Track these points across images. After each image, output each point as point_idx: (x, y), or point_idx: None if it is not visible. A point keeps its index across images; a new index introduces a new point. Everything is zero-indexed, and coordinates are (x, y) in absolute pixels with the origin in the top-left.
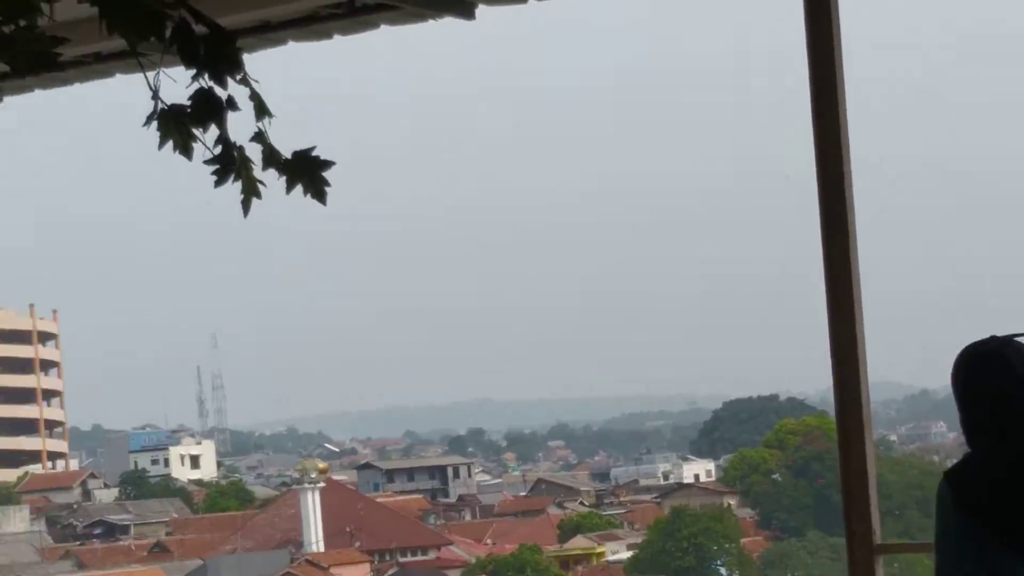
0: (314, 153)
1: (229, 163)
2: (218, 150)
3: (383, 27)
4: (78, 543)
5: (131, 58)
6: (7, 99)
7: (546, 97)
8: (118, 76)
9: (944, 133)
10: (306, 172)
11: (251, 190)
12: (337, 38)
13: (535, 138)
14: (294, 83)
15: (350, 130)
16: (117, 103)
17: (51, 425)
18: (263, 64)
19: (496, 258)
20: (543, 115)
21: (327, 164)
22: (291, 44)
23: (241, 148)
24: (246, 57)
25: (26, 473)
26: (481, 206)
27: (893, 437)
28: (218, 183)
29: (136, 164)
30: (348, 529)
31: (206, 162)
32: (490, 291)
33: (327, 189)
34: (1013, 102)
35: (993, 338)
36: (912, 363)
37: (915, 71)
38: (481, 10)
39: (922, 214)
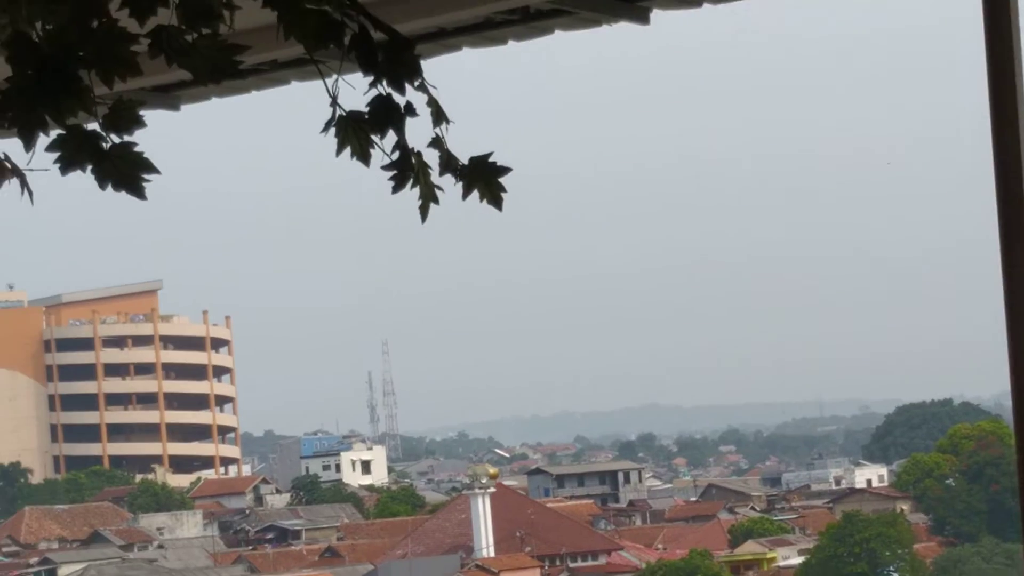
0: (491, 159)
1: (407, 169)
2: (396, 156)
3: (557, 32)
4: (250, 548)
5: (308, 65)
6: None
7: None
8: (294, 83)
9: None
10: (483, 178)
11: (429, 196)
12: (512, 44)
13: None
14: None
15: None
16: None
17: (224, 431)
18: (438, 70)
19: (673, 253)
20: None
21: (504, 170)
22: (466, 50)
23: (419, 154)
24: (423, 63)
25: (199, 478)
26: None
27: None
28: (396, 188)
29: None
30: (518, 534)
31: (384, 167)
32: (657, 295)
33: (503, 195)
34: None
35: None
36: None
37: None
38: (656, 15)
39: None
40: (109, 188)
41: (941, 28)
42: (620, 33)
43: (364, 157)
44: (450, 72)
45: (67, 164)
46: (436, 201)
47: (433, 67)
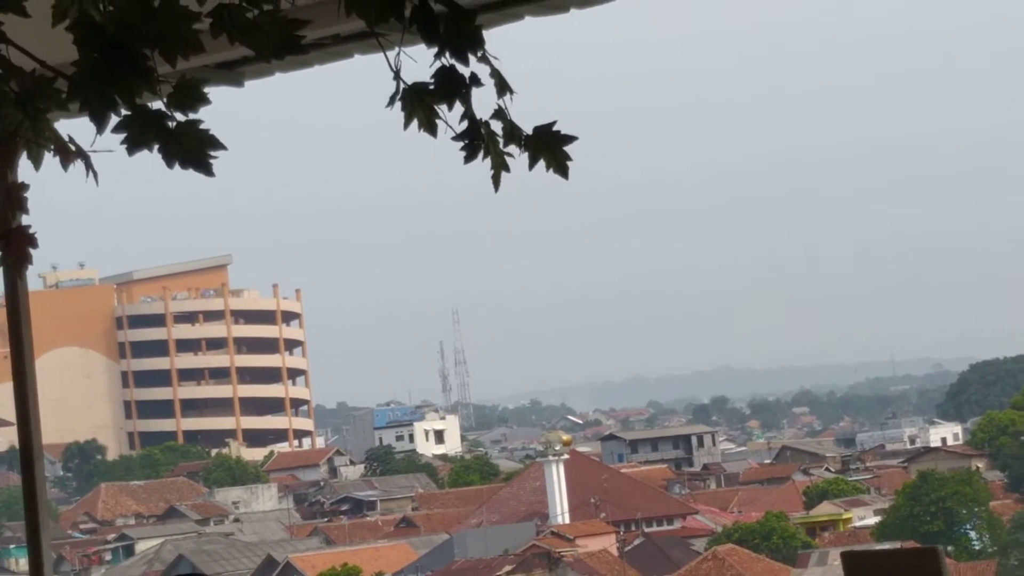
0: (555, 128)
1: (477, 139)
2: (463, 127)
3: None
4: (325, 520)
5: (371, 39)
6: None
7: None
8: (357, 57)
9: None
10: (548, 147)
11: (500, 164)
12: (573, 11)
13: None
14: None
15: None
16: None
17: (297, 404)
18: (501, 41)
19: (744, 213)
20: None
21: (569, 139)
22: (528, 19)
23: (487, 124)
24: (485, 34)
25: (272, 452)
26: (721, 162)
27: None
28: (468, 159)
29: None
30: (593, 500)
31: (454, 138)
32: (730, 253)
33: (569, 163)
34: None
35: None
36: None
37: None
38: None
39: None
40: (176, 167)
41: None
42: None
43: (431, 129)
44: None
45: (134, 144)
46: (507, 169)
47: (496, 37)
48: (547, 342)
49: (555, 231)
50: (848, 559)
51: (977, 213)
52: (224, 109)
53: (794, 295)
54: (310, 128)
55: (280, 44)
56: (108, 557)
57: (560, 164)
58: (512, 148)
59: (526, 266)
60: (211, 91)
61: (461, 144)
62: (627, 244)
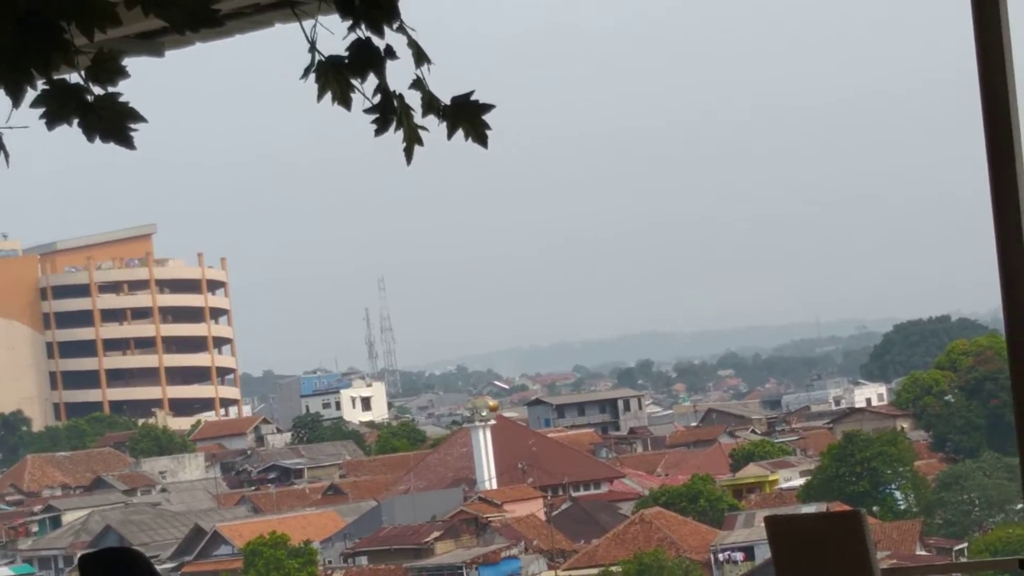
0: (473, 97)
1: (390, 112)
2: (378, 99)
3: None
4: (253, 488)
5: (289, 7)
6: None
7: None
8: (278, 25)
9: None
10: (467, 117)
11: (413, 138)
12: None
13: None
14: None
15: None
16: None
17: (223, 373)
18: (418, 10)
19: (662, 178)
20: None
21: (487, 108)
22: None
23: (401, 96)
24: (401, 4)
25: (199, 421)
26: (645, 127)
27: None
28: (379, 132)
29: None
30: (520, 465)
31: (366, 111)
32: (651, 218)
33: (488, 133)
34: None
35: None
36: None
37: None
38: None
39: None
40: (97, 140)
41: None
42: None
43: (345, 102)
44: None
45: (53, 119)
46: (420, 143)
47: (411, 7)
48: (473, 308)
49: (480, 197)
50: (772, 523)
51: (890, 177)
52: (147, 77)
53: (719, 259)
54: (235, 96)
55: (195, 16)
56: (35, 528)
57: (479, 133)
58: (431, 118)
59: (452, 233)
60: (132, 61)
61: (372, 118)
62: (552, 212)
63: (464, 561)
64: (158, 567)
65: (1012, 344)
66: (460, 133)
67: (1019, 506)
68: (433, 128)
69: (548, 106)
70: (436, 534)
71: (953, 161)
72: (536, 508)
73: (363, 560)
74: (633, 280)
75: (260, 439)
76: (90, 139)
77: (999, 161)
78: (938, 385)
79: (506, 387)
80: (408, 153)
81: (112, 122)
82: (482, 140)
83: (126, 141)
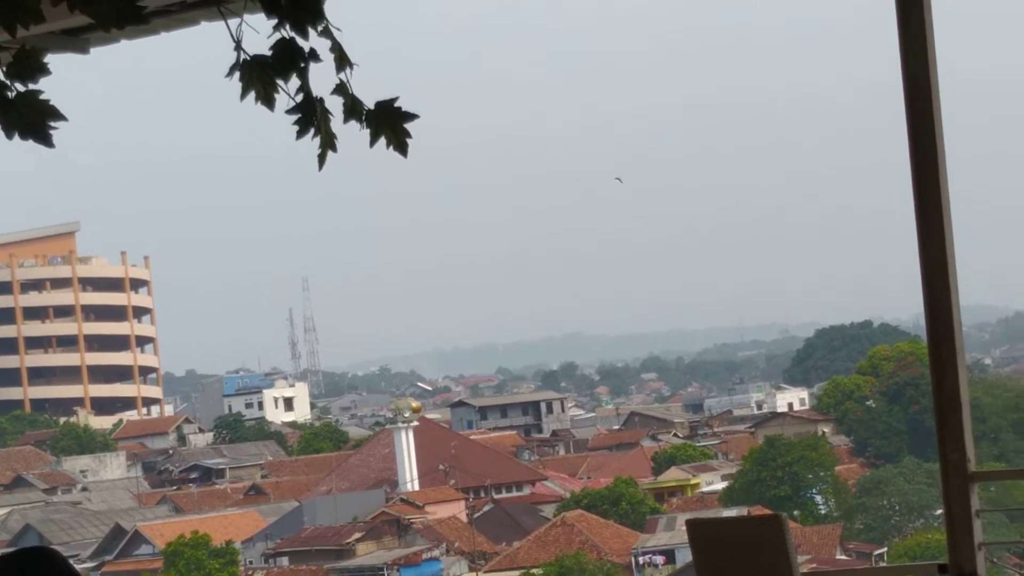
0: (397, 104)
1: (311, 115)
2: (299, 101)
3: None
4: (174, 488)
5: (213, 6)
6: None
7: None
8: (203, 24)
9: None
10: (389, 124)
11: (328, 144)
12: None
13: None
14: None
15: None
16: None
17: (145, 371)
18: (346, 14)
19: (585, 182)
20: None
21: (410, 116)
22: None
23: (321, 100)
24: (327, 6)
25: (121, 420)
26: (566, 134)
27: (988, 360)
28: (299, 135)
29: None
30: (442, 467)
31: (288, 111)
32: (576, 221)
33: (408, 141)
34: None
35: None
36: (1006, 286)
37: None
38: None
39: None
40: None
41: None
42: None
43: (268, 102)
44: None
45: None
46: (334, 149)
47: (338, 10)
48: (396, 310)
49: (405, 199)
50: (693, 526)
51: (815, 183)
52: (70, 75)
53: (643, 263)
54: (159, 94)
55: (120, 13)
56: None
57: (400, 142)
58: (353, 124)
59: (376, 235)
60: (54, 57)
61: (293, 119)
62: (475, 215)
63: (385, 562)
64: (78, 566)
65: (933, 350)
66: (382, 141)
67: (939, 511)
68: (356, 134)
69: (470, 111)
70: (358, 535)
71: (877, 167)
72: (458, 510)
73: (284, 561)
74: (557, 283)
75: (182, 438)
76: (9, 136)
77: (922, 167)
78: (860, 390)
79: (429, 388)
80: (321, 159)
81: (32, 119)
82: (402, 149)
83: (45, 139)
